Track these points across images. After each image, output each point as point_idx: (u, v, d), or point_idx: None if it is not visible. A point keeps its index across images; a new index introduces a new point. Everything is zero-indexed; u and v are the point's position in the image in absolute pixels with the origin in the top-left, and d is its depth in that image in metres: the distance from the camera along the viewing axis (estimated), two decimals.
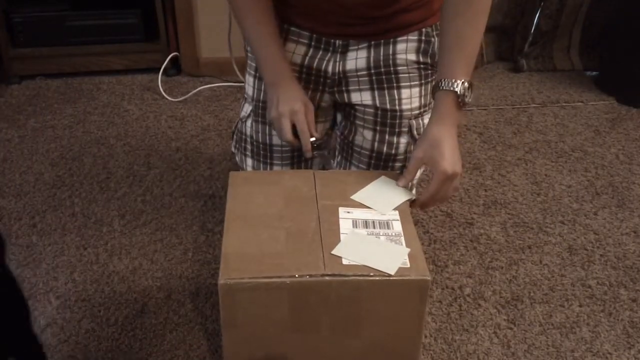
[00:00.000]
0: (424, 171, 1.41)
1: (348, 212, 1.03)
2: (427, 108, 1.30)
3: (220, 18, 2.32)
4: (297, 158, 1.37)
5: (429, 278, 0.91)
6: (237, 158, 1.45)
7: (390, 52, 1.23)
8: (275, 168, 1.37)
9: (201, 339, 1.32)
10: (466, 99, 1.08)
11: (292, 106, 1.18)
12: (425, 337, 1.34)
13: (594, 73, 2.62)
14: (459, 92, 1.07)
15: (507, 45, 2.72)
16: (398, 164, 1.30)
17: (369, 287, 0.91)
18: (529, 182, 1.89)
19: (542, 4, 2.54)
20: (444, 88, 1.08)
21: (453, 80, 1.07)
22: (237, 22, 1.22)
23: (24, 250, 1.56)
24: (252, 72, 1.32)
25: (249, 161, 1.40)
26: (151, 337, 1.32)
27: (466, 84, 1.07)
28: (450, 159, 1.08)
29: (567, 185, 1.88)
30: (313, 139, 1.20)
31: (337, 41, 1.23)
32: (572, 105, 2.38)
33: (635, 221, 1.72)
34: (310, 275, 0.89)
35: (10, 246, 1.58)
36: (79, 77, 2.45)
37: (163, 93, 2.31)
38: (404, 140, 1.28)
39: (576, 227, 1.69)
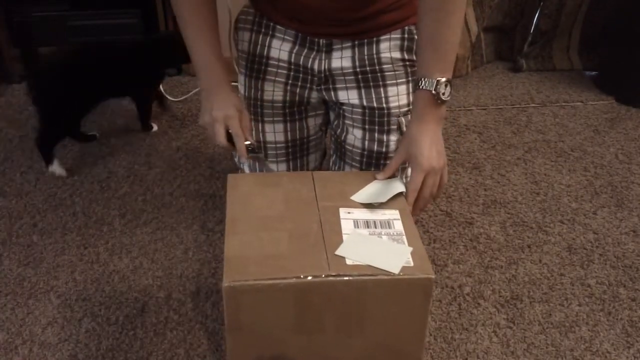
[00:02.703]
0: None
1: (349, 213, 1.03)
2: None
3: (221, 18, 2.31)
4: (291, 155, 1.37)
5: (433, 276, 0.91)
6: (235, 158, 1.46)
7: (374, 51, 1.24)
8: (271, 166, 1.38)
9: (202, 338, 1.32)
10: (442, 96, 1.09)
11: (226, 112, 1.19)
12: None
13: (594, 73, 2.62)
14: (433, 91, 1.08)
15: (506, 45, 2.72)
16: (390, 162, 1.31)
17: (373, 287, 0.91)
18: (528, 182, 1.89)
19: (541, 3, 2.55)
20: (421, 87, 1.10)
21: (428, 79, 1.09)
22: (180, 26, 1.23)
23: (25, 249, 1.56)
24: (242, 70, 1.33)
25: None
26: (152, 336, 1.33)
27: (442, 81, 1.08)
28: (427, 154, 1.09)
29: (566, 184, 1.88)
30: (247, 142, 1.21)
31: (321, 40, 1.23)
32: (571, 105, 2.38)
33: (634, 220, 1.73)
34: (315, 276, 0.89)
35: (11, 245, 1.58)
36: None
37: (164, 92, 2.31)
38: (394, 137, 1.28)
39: (575, 227, 1.69)
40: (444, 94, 1.09)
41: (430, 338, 1.34)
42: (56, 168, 1.84)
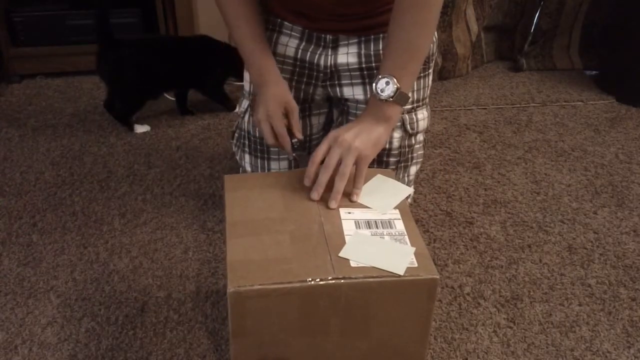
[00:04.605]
0: (419, 168, 1.41)
1: (349, 213, 1.03)
2: (420, 103, 1.30)
3: (220, 17, 2.31)
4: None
5: (437, 276, 0.91)
6: (237, 156, 1.46)
7: (381, 47, 1.24)
8: (273, 164, 1.38)
9: (201, 337, 1.32)
10: (378, 94, 1.08)
11: (268, 110, 1.19)
12: None
13: (594, 72, 2.62)
14: (372, 86, 1.08)
15: (507, 44, 2.72)
16: (393, 159, 1.31)
17: (379, 289, 0.91)
18: (528, 181, 1.89)
19: (542, 3, 2.55)
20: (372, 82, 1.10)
21: (378, 76, 1.09)
22: (227, 25, 1.23)
23: (25, 249, 1.56)
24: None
25: (247, 157, 1.41)
26: (151, 335, 1.33)
27: (382, 79, 1.08)
28: (343, 130, 1.07)
29: (566, 184, 1.88)
30: (295, 140, 1.20)
31: (328, 36, 1.24)
32: (571, 105, 2.38)
33: (634, 220, 1.72)
34: (320, 279, 0.89)
35: (11, 245, 1.58)
36: (80, 76, 2.46)
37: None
38: (397, 135, 1.28)
39: (576, 226, 1.69)
40: (382, 90, 1.08)
41: (430, 338, 1.34)
42: (139, 128, 2.12)
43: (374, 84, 1.08)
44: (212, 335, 1.33)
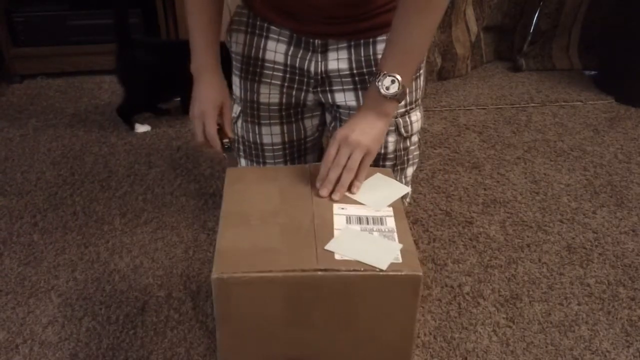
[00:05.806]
0: (416, 168, 1.42)
1: (342, 209, 1.04)
2: (413, 105, 1.30)
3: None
4: (289, 156, 1.38)
5: (420, 273, 0.92)
6: (233, 152, 1.46)
7: (371, 52, 1.24)
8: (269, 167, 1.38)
9: (202, 337, 1.33)
10: (384, 91, 1.09)
11: (202, 108, 1.21)
12: (425, 335, 1.35)
13: (593, 72, 2.62)
14: (376, 83, 1.09)
15: (506, 44, 2.72)
16: (388, 163, 1.31)
17: (361, 282, 0.91)
18: (528, 181, 1.89)
19: (541, 3, 2.55)
20: (373, 79, 1.11)
21: (379, 72, 1.10)
22: (186, 11, 1.25)
23: (25, 248, 1.57)
24: (237, 72, 1.33)
25: (243, 162, 1.41)
26: (152, 335, 1.33)
27: (387, 77, 1.09)
28: (347, 128, 1.09)
29: (565, 184, 1.89)
30: (226, 139, 1.21)
31: (316, 40, 1.23)
32: (571, 105, 2.38)
33: (633, 220, 1.73)
34: (303, 270, 0.90)
35: (12, 245, 1.58)
36: (80, 76, 2.46)
37: None
38: (391, 139, 1.29)
39: (575, 226, 1.70)
40: (387, 88, 1.09)
41: (430, 337, 1.34)
42: (139, 127, 2.14)
43: (377, 81, 1.09)
44: (213, 334, 1.33)
